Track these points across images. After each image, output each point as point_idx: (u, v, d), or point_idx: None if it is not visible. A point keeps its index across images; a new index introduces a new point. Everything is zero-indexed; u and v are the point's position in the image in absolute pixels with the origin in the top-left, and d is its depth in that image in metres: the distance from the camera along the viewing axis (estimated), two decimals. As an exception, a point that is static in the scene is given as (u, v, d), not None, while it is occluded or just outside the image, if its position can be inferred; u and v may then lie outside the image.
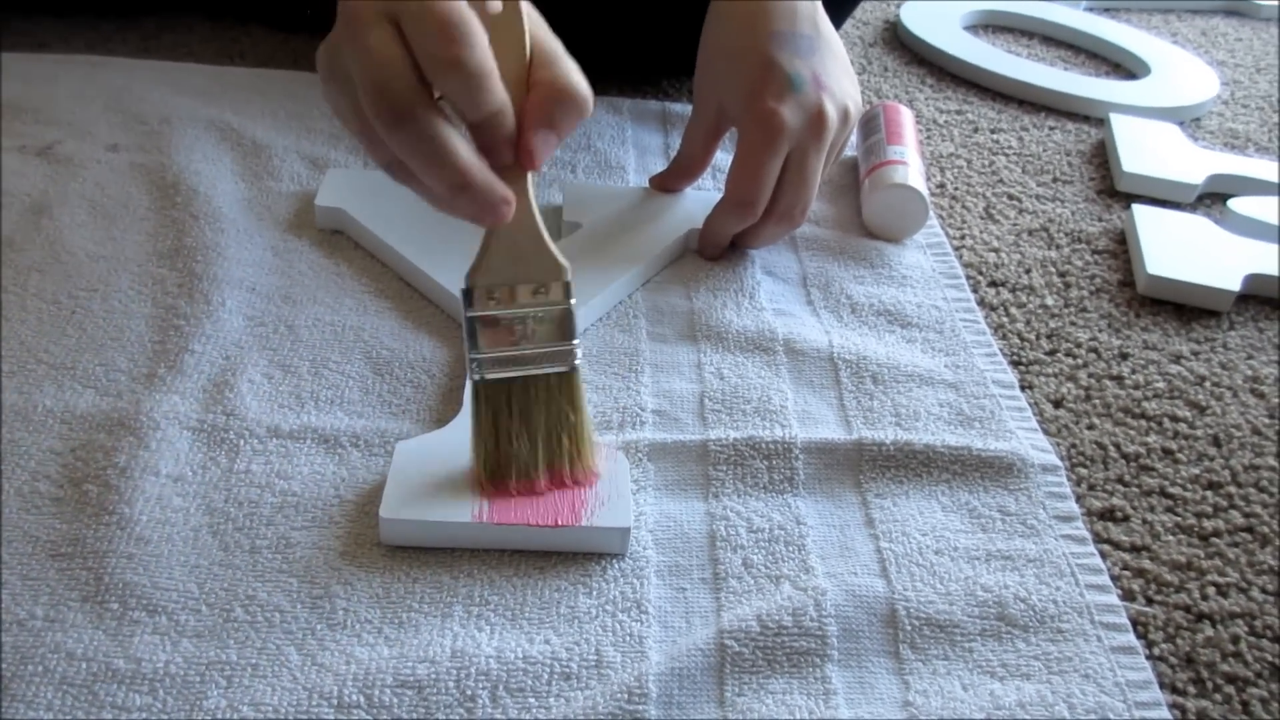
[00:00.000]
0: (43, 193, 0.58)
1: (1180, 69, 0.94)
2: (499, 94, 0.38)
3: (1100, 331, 0.59)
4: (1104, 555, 0.45)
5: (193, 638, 0.37)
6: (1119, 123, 0.80)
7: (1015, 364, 0.56)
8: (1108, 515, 0.47)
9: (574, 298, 0.41)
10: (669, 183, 0.63)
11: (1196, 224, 0.68)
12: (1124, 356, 0.58)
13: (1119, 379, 0.56)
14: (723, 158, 0.67)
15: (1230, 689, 0.40)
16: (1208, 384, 0.56)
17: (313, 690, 0.35)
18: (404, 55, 0.36)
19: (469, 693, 0.36)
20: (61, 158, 0.61)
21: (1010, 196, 0.72)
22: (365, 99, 0.37)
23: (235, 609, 0.38)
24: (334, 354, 0.50)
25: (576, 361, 0.42)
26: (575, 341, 0.41)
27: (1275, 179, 0.76)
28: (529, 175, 0.40)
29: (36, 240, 0.55)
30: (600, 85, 0.79)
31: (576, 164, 0.68)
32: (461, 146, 0.38)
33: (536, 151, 0.39)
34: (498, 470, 0.42)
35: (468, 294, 0.41)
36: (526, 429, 0.42)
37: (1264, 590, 0.44)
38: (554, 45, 0.41)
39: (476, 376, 0.41)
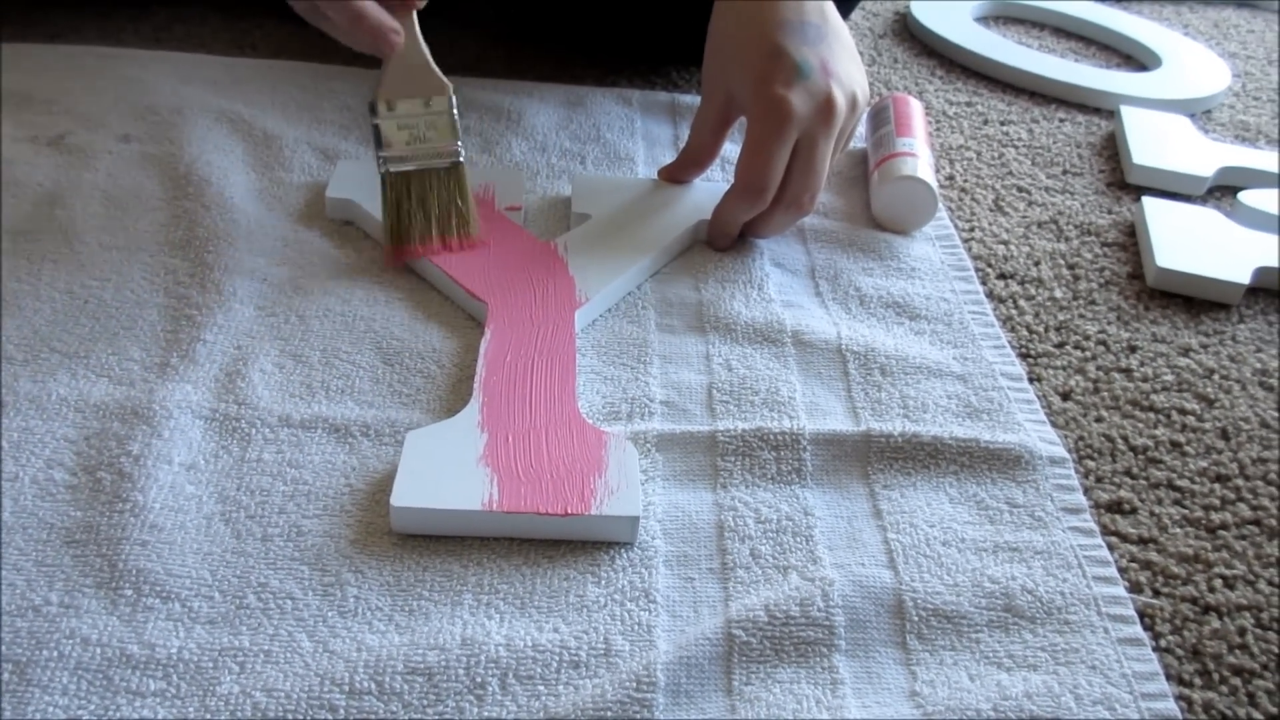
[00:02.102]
0: (55, 183, 0.59)
1: (1191, 61, 0.94)
2: None
3: (1109, 324, 0.59)
4: (1111, 547, 0.45)
5: (206, 624, 0.37)
6: (1129, 115, 0.80)
7: (1024, 356, 0.56)
8: (1115, 507, 0.47)
9: (456, 108, 0.53)
10: (678, 174, 0.63)
11: (1206, 217, 0.68)
12: (1133, 349, 0.58)
13: (1127, 371, 0.56)
14: (731, 149, 0.67)
15: (1236, 681, 0.40)
16: (1216, 377, 0.56)
17: (324, 677, 0.36)
18: None
19: (479, 680, 0.36)
20: (74, 148, 0.62)
21: (1020, 189, 0.72)
22: None
23: (248, 596, 0.38)
24: (344, 344, 0.50)
25: (459, 159, 0.54)
26: (459, 142, 0.54)
27: (1286, 172, 0.76)
28: (413, 14, 0.53)
29: (50, 231, 0.55)
30: (610, 76, 0.79)
31: (585, 155, 0.68)
32: None
33: None
34: (400, 239, 0.54)
35: (373, 105, 0.53)
36: (423, 209, 0.54)
37: (1271, 583, 0.44)
38: None
39: (382, 170, 0.53)
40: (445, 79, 0.53)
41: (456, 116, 0.53)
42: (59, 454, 0.43)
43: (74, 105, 0.66)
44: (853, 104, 0.58)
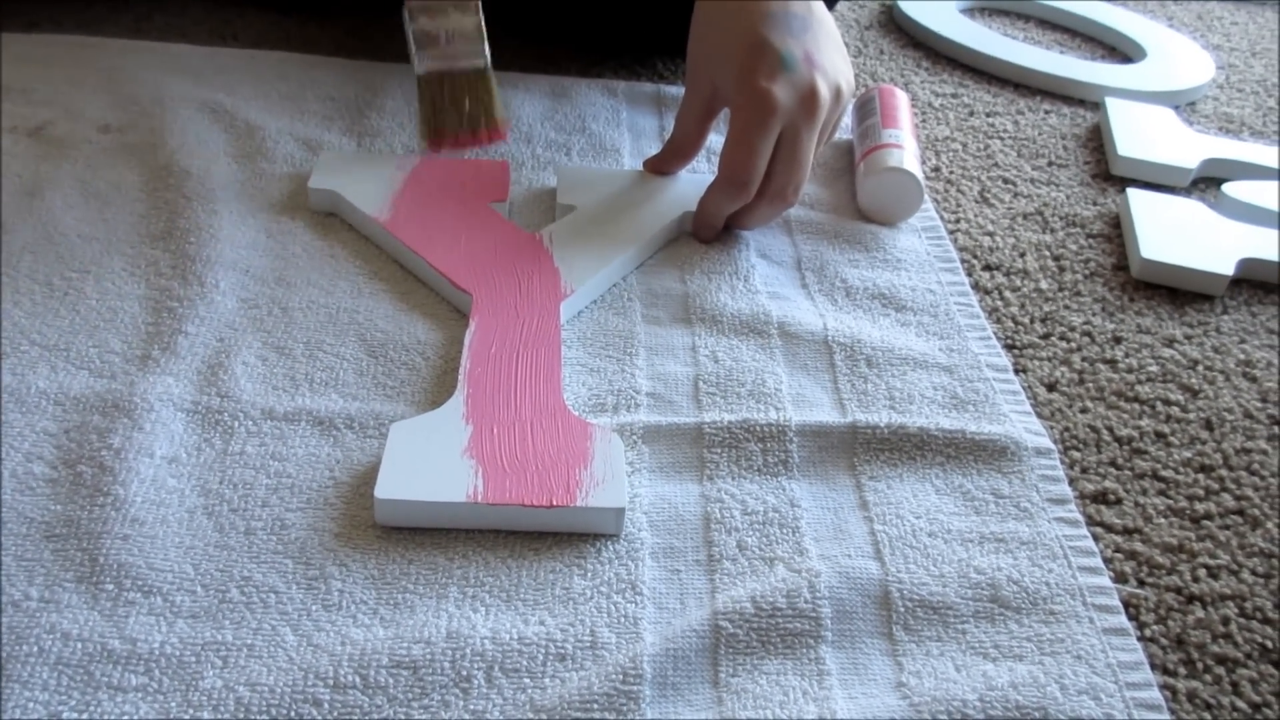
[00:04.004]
0: (34, 174, 0.58)
1: (1176, 53, 0.94)
2: None
3: (1094, 315, 0.59)
4: (1096, 538, 0.45)
5: (188, 618, 0.37)
6: (1114, 107, 0.80)
7: (1009, 347, 0.56)
8: (1100, 498, 0.48)
9: (480, 14, 0.58)
10: (663, 165, 0.63)
11: (1191, 208, 0.68)
12: (1117, 340, 0.58)
13: (1112, 363, 0.56)
14: (717, 140, 0.66)
15: (1220, 670, 0.40)
16: (1200, 368, 0.56)
17: (308, 671, 0.35)
18: None
19: (464, 673, 0.36)
20: (53, 139, 0.61)
21: (1005, 180, 0.72)
22: None
23: (230, 590, 0.38)
24: (328, 336, 0.50)
25: (487, 60, 0.59)
26: (485, 46, 0.59)
27: (1270, 163, 0.76)
28: None
29: (28, 221, 0.54)
30: (595, 68, 0.79)
31: (571, 147, 0.68)
32: None
33: None
34: (437, 133, 0.60)
35: (409, 11, 0.58)
36: (455, 107, 0.60)
37: (1254, 572, 0.45)
38: None
39: (420, 70, 0.59)
40: None
41: (482, 21, 0.59)
42: (39, 447, 0.42)
43: (53, 96, 0.65)
44: (837, 95, 0.58)
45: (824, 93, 0.56)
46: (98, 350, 0.47)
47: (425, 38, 0.59)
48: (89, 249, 0.53)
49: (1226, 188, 0.71)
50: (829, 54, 0.58)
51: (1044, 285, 0.62)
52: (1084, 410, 0.52)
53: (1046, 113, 0.83)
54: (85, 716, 0.33)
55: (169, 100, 0.66)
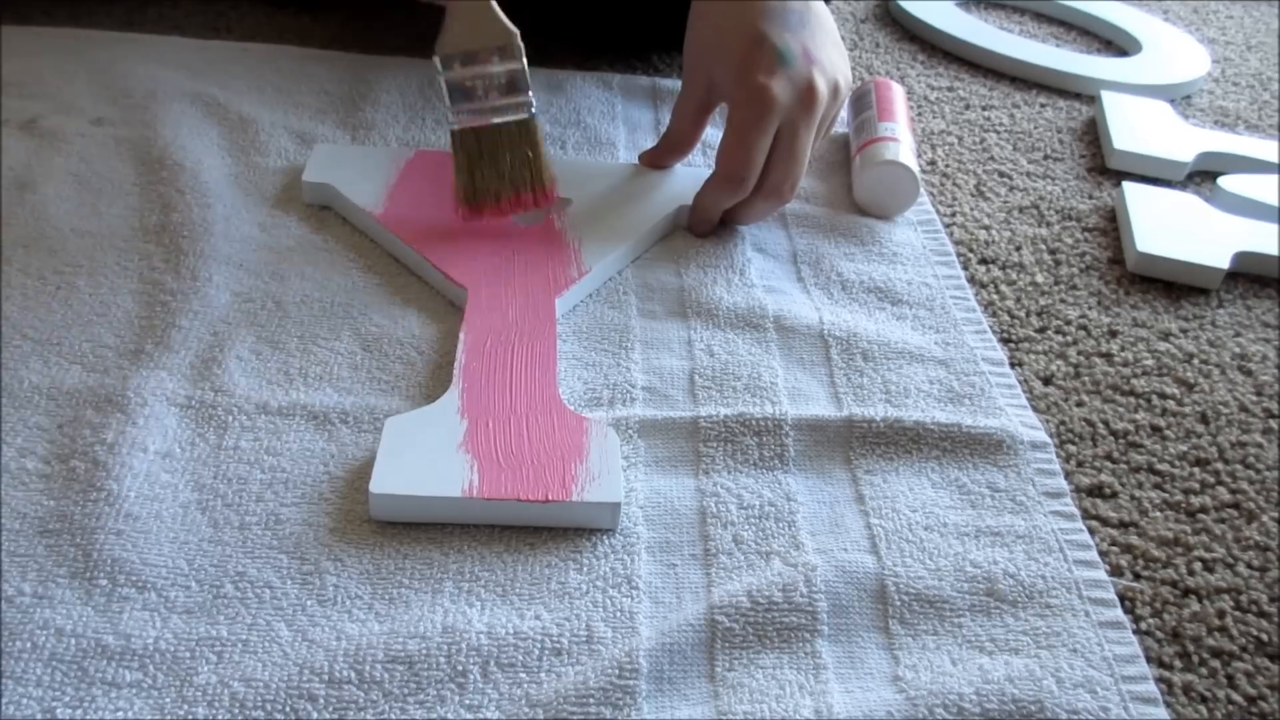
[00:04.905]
0: (26, 167, 0.58)
1: (1171, 46, 0.94)
2: None
3: (1090, 309, 0.59)
4: (1092, 531, 0.45)
5: (182, 614, 0.37)
6: (1110, 100, 0.80)
7: (1005, 341, 0.56)
8: (1096, 492, 0.48)
9: (524, 58, 0.51)
10: (659, 159, 0.63)
11: (1186, 201, 0.68)
12: (1113, 334, 0.58)
13: (1108, 356, 0.56)
14: (713, 133, 0.66)
15: (1216, 663, 0.41)
16: (1196, 361, 0.56)
17: (303, 666, 0.35)
18: None
19: (460, 668, 0.36)
20: (45, 132, 0.61)
21: (1001, 174, 0.72)
22: None
23: (225, 585, 0.38)
24: (323, 330, 0.50)
25: (532, 110, 0.52)
26: (529, 95, 0.52)
27: (1265, 157, 0.76)
28: None
29: (21, 215, 0.54)
30: (591, 61, 0.78)
31: (566, 140, 0.67)
32: None
33: None
34: (475, 197, 0.53)
35: (439, 59, 0.51)
36: (495, 166, 0.52)
37: (1250, 565, 0.45)
38: None
39: (452, 126, 0.52)
40: (511, 25, 0.51)
41: (526, 66, 0.51)
42: (31, 442, 0.42)
43: (45, 88, 0.65)
44: (835, 91, 0.57)
45: (822, 88, 0.56)
46: (90, 344, 0.47)
47: (460, 89, 0.51)
48: (81, 243, 0.53)
49: (1222, 181, 0.71)
50: (827, 49, 0.58)
51: (1040, 279, 0.61)
52: (1080, 404, 0.52)
53: (1042, 106, 0.83)
54: (79, 712, 0.33)
55: (162, 93, 0.65)
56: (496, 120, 0.52)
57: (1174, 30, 0.98)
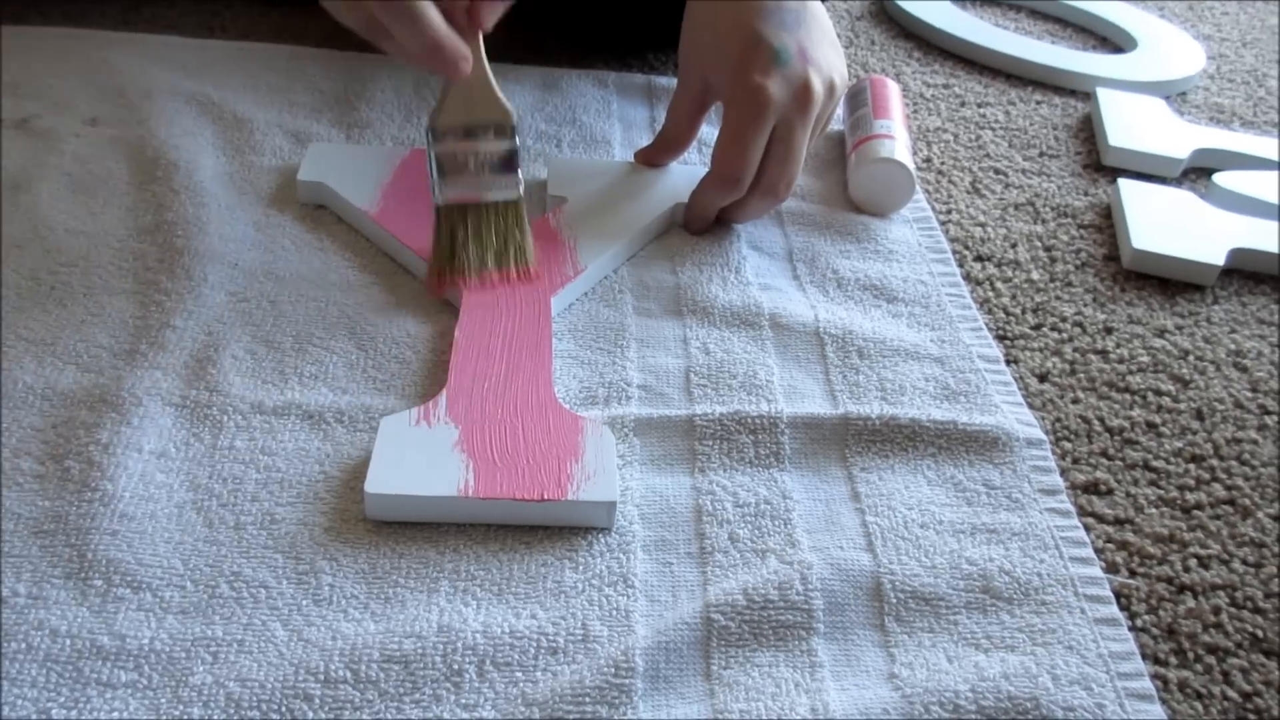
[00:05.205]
0: (20, 167, 0.58)
1: (1167, 43, 0.94)
2: None
3: (1085, 306, 0.59)
4: (1088, 528, 0.45)
5: (178, 614, 0.37)
6: (1105, 97, 0.80)
7: (1001, 338, 0.56)
8: (1092, 489, 0.48)
9: (519, 138, 0.50)
10: (654, 157, 0.63)
11: (1181, 198, 0.68)
12: (1109, 331, 0.58)
13: (1104, 353, 0.56)
14: (708, 131, 0.66)
15: (1211, 659, 0.41)
16: (1191, 358, 0.56)
17: (299, 666, 0.35)
18: None
19: (455, 667, 0.36)
20: (39, 131, 0.61)
21: (997, 171, 0.72)
22: None
23: (220, 585, 0.38)
24: (318, 329, 0.50)
25: (521, 192, 0.51)
26: (520, 175, 0.50)
27: (1261, 153, 0.76)
28: (480, 35, 0.49)
29: (15, 216, 0.54)
30: (586, 59, 0.78)
31: (561, 138, 0.67)
32: (433, 12, 0.45)
33: (485, 16, 0.48)
34: (450, 270, 0.50)
35: (431, 131, 0.49)
36: (478, 242, 0.50)
37: (1245, 562, 0.45)
38: None
39: (438, 200, 0.50)
40: (509, 104, 0.50)
41: (519, 146, 0.50)
42: (26, 443, 0.42)
43: (39, 88, 0.65)
44: (830, 90, 0.57)
45: (818, 88, 0.56)
46: (85, 344, 0.47)
47: (452, 163, 0.50)
48: (76, 243, 0.53)
49: (1217, 178, 0.71)
50: (823, 48, 0.58)
51: (1035, 276, 0.62)
52: (1075, 401, 0.52)
53: (1038, 103, 0.83)
54: (75, 713, 0.33)
55: (156, 92, 0.65)
56: (485, 198, 0.50)
57: (1169, 27, 0.98)
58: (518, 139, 0.50)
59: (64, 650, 0.35)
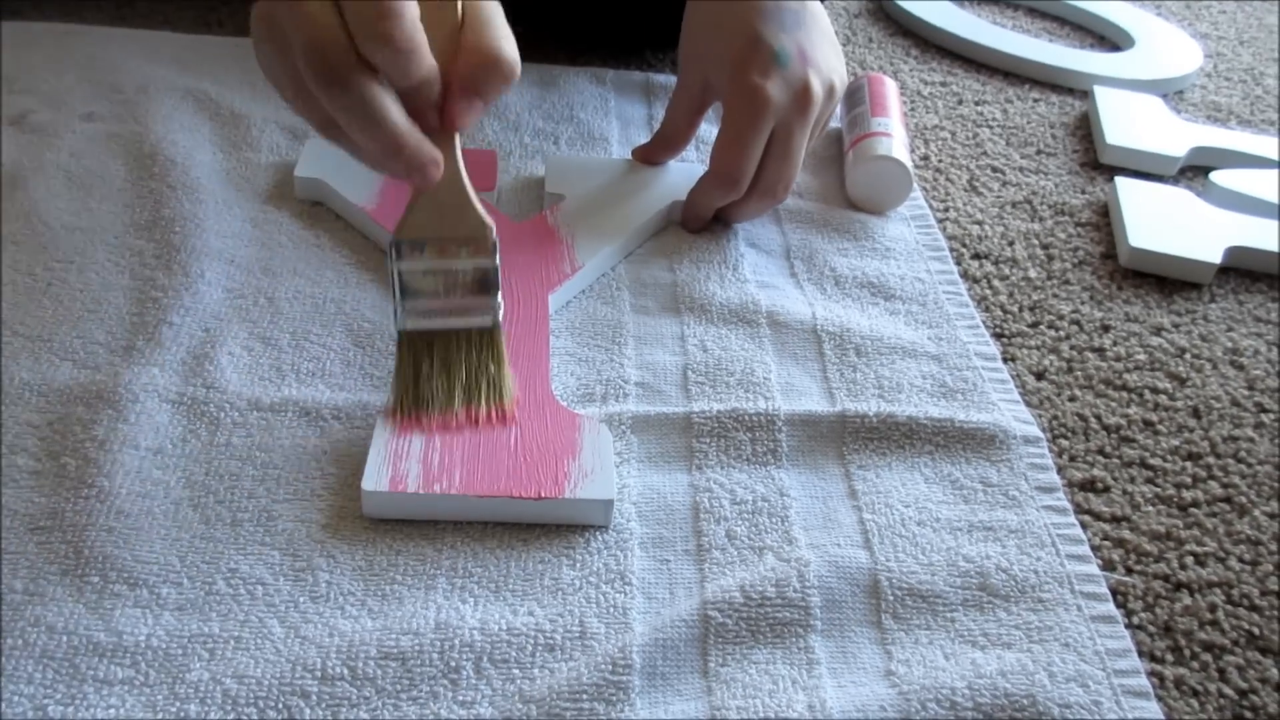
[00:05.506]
0: (16, 163, 0.57)
1: (1164, 41, 0.94)
2: (426, 65, 0.39)
3: (1082, 304, 0.60)
4: (1084, 526, 0.45)
5: (174, 611, 0.37)
6: (1102, 95, 0.80)
7: (998, 336, 0.56)
8: (1088, 486, 0.48)
9: (497, 256, 0.43)
10: (652, 155, 0.63)
11: (1178, 196, 0.68)
12: (1106, 329, 0.58)
13: (1100, 351, 0.56)
14: (707, 129, 0.66)
15: (1207, 656, 0.41)
16: (1188, 356, 0.56)
17: (296, 662, 0.35)
18: (340, 23, 0.37)
19: (453, 664, 0.36)
20: (35, 127, 0.61)
21: (994, 169, 0.72)
22: (302, 62, 0.38)
23: (217, 582, 0.38)
24: (315, 326, 0.49)
25: (498, 317, 0.44)
26: (497, 298, 0.43)
27: (1258, 151, 0.76)
28: (456, 136, 0.42)
29: (11, 211, 0.54)
30: (584, 56, 0.78)
31: (559, 135, 0.67)
32: (393, 110, 0.39)
33: (460, 117, 0.41)
34: (415, 407, 0.43)
35: (395, 246, 0.42)
36: (446, 376, 0.43)
37: (1241, 560, 0.45)
38: (489, 9, 0.41)
39: (400, 326, 0.43)
40: (488, 218, 0.43)
41: (498, 265, 0.43)
42: (22, 439, 0.42)
43: (35, 83, 0.64)
44: (829, 92, 0.57)
45: (817, 89, 0.56)
46: (81, 341, 0.47)
47: (418, 283, 0.43)
48: (72, 239, 0.53)
49: (1214, 176, 0.71)
50: (822, 49, 0.58)
51: (1032, 274, 0.62)
52: (1072, 398, 0.53)
53: (1035, 101, 0.83)
54: (71, 710, 0.33)
55: (153, 88, 0.65)
56: (455, 324, 0.43)
57: (1167, 25, 0.98)
58: (497, 257, 0.43)
59: (60, 647, 0.35)
